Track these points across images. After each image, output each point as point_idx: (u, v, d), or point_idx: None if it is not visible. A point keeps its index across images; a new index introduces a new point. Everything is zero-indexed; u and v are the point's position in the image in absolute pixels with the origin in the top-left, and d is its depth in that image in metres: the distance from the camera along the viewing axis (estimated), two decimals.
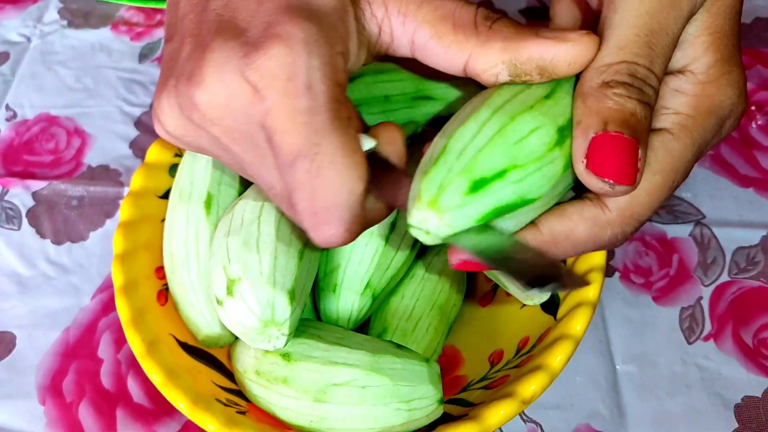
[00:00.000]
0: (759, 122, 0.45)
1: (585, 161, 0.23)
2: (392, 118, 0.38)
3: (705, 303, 0.39)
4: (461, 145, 0.24)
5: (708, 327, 0.38)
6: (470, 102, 0.26)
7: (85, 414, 0.37)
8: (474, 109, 0.25)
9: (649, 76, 0.23)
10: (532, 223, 0.25)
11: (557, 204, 0.26)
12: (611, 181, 0.23)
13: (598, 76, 0.23)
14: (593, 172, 0.23)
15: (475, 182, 0.23)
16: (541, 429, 0.36)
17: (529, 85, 0.25)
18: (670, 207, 0.42)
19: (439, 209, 0.23)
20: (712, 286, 0.39)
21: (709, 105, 0.25)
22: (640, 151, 0.23)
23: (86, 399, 0.38)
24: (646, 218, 0.25)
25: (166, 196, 0.38)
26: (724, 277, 0.40)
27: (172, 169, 0.39)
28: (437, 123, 0.38)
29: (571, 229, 0.25)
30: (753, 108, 0.45)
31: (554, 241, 0.25)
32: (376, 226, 0.34)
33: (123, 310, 0.33)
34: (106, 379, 0.38)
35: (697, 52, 0.25)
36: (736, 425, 0.35)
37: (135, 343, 0.33)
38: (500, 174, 0.23)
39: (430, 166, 0.24)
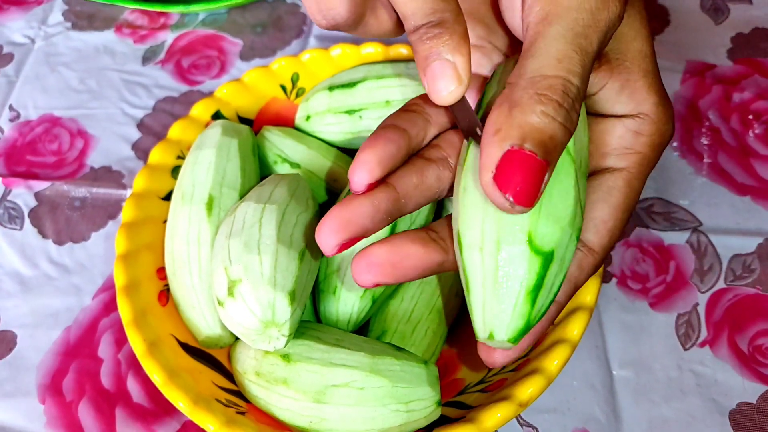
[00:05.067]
0: (756, 131, 0.45)
1: (494, 172, 0.22)
2: None
3: (701, 309, 0.39)
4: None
5: (704, 333, 0.39)
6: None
7: (85, 413, 0.38)
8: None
9: (578, 98, 0.23)
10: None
11: None
12: (512, 199, 0.22)
13: (531, 86, 0.23)
14: (498, 186, 0.22)
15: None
16: None
17: None
18: (667, 214, 0.42)
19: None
20: (709, 293, 0.40)
21: (661, 142, 0.27)
22: (546, 175, 0.22)
23: (86, 398, 0.38)
24: (611, 248, 0.28)
25: (168, 197, 0.39)
26: (721, 284, 0.40)
27: (175, 171, 0.40)
28: None
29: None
30: (750, 117, 0.46)
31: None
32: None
33: (125, 310, 0.34)
34: (106, 379, 0.39)
35: (644, 95, 0.27)
36: (731, 431, 0.36)
37: (136, 343, 0.33)
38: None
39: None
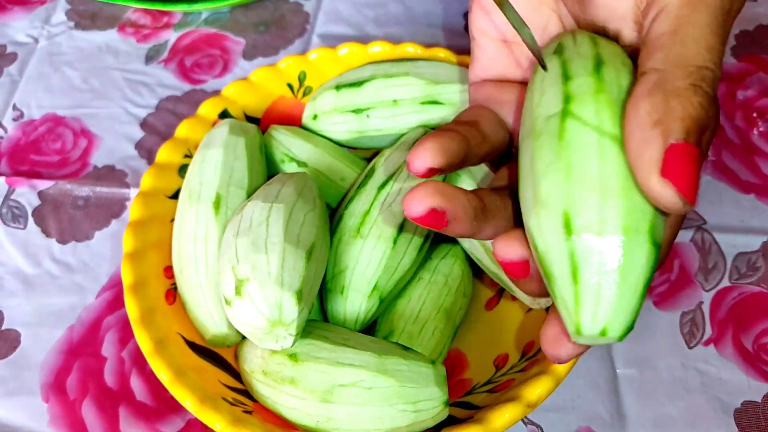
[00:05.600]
0: (760, 129, 0.45)
1: (660, 169, 0.20)
2: (401, 122, 0.39)
3: (705, 308, 0.39)
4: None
5: (708, 332, 0.39)
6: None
7: (88, 412, 0.37)
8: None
9: (717, 87, 0.22)
10: None
11: None
12: (683, 197, 0.20)
13: (686, 77, 0.21)
14: (674, 184, 0.20)
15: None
16: (542, 431, 0.36)
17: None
18: None
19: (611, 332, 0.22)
20: (713, 291, 0.40)
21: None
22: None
23: (89, 397, 0.38)
24: None
25: (175, 196, 0.39)
26: (725, 283, 0.40)
27: (182, 169, 0.39)
28: None
29: None
30: (755, 114, 0.46)
31: None
32: (385, 228, 0.34)
33: (132, 308, 0.34)
34: (109, 377, 0.38)
35: None
36: (736, 430, 0.36)
37: (143, 342, 0.33)
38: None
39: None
